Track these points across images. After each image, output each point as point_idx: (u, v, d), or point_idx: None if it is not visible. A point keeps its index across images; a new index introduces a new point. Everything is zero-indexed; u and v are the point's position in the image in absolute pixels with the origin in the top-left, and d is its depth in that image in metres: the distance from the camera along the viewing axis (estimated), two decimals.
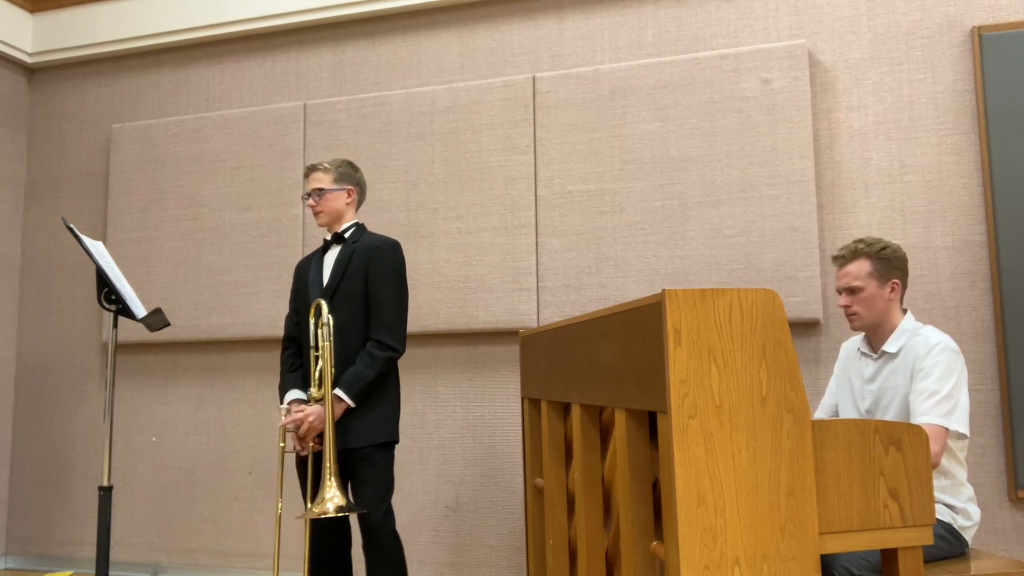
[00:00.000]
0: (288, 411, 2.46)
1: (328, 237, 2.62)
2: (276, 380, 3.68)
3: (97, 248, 2.74)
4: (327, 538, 2.51)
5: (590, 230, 3.27)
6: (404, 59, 3.69)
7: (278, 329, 3.60)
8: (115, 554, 3.82)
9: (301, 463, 2.55)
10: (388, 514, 2.44)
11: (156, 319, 2.71)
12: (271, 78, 3.88)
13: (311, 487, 2.39)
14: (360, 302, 2.50)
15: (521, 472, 3.33)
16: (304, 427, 2.39)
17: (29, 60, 4.20)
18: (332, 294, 2.50)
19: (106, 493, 2.59)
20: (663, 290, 1.32)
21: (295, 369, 2.60)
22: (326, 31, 3.81)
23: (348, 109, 3.64)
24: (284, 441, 2.45)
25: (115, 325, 2.71)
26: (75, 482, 3.95)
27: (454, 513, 3.38)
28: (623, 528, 1.61)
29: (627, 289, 3.21)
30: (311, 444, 2.41)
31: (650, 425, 1.63)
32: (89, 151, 4.14)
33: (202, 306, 3.74)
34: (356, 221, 2.63)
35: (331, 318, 2.41)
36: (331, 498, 2.23)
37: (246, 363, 3.74)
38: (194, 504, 3.74)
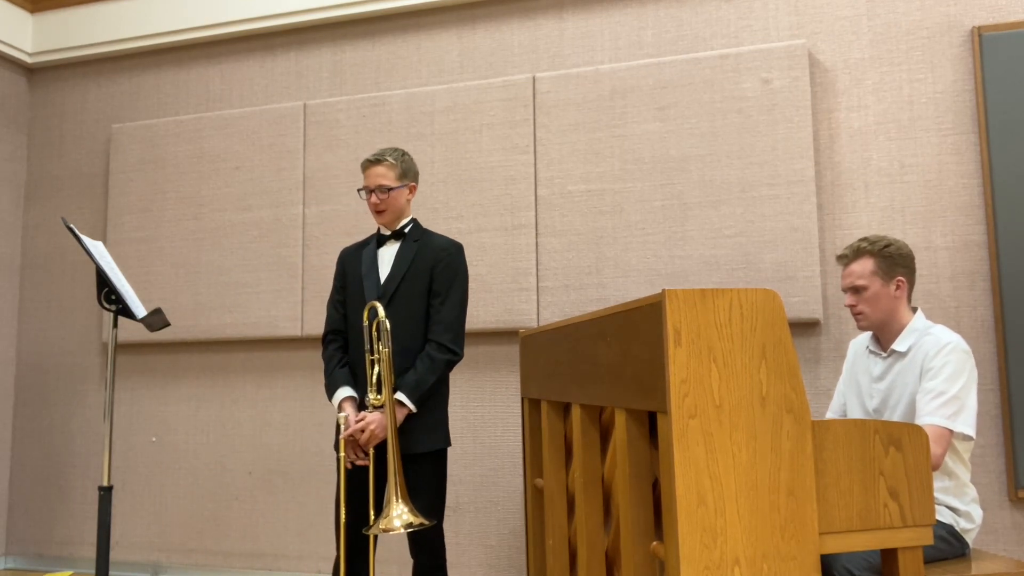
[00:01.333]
0: (345, 419, 2.34)
1: (384, 231, 2.50)
2: (276, 380, 3.68)
3: (97, 248, 2.74)
4: (355, 546, 2.43)
5: (590, 230, 3.27)
6: (404, 59, 3.69)
7: (278, 329, 3.60)
8: (115, 554, 3.82)
9: (345, 465, 2.44)
10: (442, 513, 2.41)
11: (156, 319, 2.71)
12: (271, 78, 3.88)
13: (373, 497, 2.29)
14: (421, 302, 2.41)
15: (521, 472, 3.33)
16: (366, 435, 2.29)
17: (29, 60, 4.20)
18: (393, 292, 2.41)
19: (106, 493, 2.59)
20: (663, 290, 1.32)
21: (343, 364, 2.48)
22: (326, 31, 3.81)
23: (348, 109, 3.64)
24: (344, 451, 2.34)
25: (115, 325, 2.71)
26: (75, 482, 3.95)
27: (454, 513, 3.38)
28: (623, 528, 1.61)
29: (627, 289, 3.21)
30: (370, 452, 2.31)
31: (650, 425, 1.63)
32: (89, 151, 4.14)
33: (202, 306, 3.75)
34: (413, 216, 2.54)
35: (388, 322, 2.28)
36: (399, 515, 2.11)
37: (246, 363, 3.74)
38: (194, 504, 3.74)
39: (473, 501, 3.37)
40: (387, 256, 2.48)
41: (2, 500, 4.01)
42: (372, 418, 2.29)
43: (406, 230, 2.49)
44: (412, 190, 2.49)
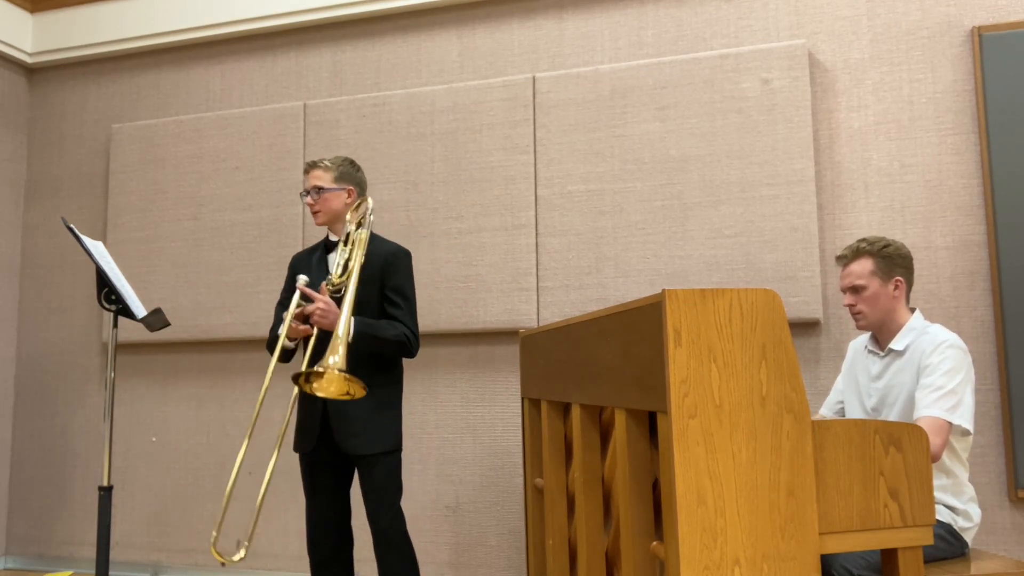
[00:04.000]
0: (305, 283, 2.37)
1: (332, 237, 2.55)
2: (276, 380, 3.68)
3: (97, 248, 2.74)
4: (330, 539, 2.49)
5: (590, 230, 3.27)
6: (404, 59, 3.69)
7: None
8: (115, 554, 3.82)
9: (307, 463, 2.49)
10: (399, 516, 2.43)
11: (156, 319, 2.71)
12: (271, 78, 3.88)
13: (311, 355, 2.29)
14: (371, 307, 2.44)
15: (521, 472, 3.33)
16: (318, 311, 2.28)
17: (29, 60, 4.19)
18: (340, 298, 2.43)
19: (106, 493, 2.59)
20: (663, 290, 1.32)
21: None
22: (326, 31, 3.81)
23: (348, 109, 3.64)
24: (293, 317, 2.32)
25: (115, 325, 2.71)
26: (75, 482, 3.95)
27: (454, 513, 3.38)
28: (623, 528, 1.61)
29: (627, 289, 3.21)
30: (314, 332, 2.30)
31: (650, 425, 1.63)
32: (89, 151, 4.14)
33: (202, 306, 3.74)
34: None
35: (373, 217, 2.38)
36: (338, 352, 2.05)
37: (246, 363, 3.74)
38: (194, 504, 3.74)
39: (473, 501, 3.37)
40: (335, 261, 2.50)
41: (2, 500, 4.01)
42: (330, 301, 2.31)
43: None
44: (350, 194, 2.53)
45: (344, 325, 2.14)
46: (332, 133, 3.66)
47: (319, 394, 2.10)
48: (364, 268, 2.45)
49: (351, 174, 2.54)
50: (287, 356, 2.45)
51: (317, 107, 3.69)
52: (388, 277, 2.46)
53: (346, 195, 2.52)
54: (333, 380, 2.08)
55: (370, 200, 2.47)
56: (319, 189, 2.49)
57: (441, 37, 3.64)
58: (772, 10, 3.22)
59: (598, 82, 3.32)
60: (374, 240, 2.53)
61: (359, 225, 2.42)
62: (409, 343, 2.42)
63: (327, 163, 2.51)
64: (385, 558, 2.41)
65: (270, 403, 3.68)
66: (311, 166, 2.53)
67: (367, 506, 2.42)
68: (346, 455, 2.46)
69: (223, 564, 2.19)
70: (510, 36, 3.55)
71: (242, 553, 2.16)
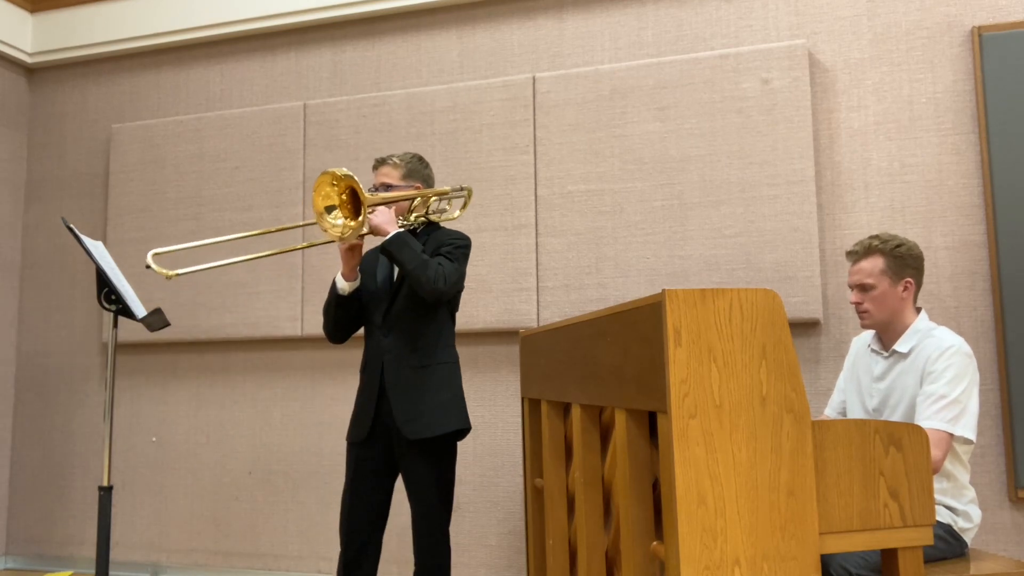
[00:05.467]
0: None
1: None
2: (276, 380, 3.68)
3: (97, 248, 2.74)
4: (367, 522, 2.41)
5: (590, 230, 3.27)
6: (404, 59, 3.69)
7: (278, 329, 3.60)
8: (115, 554, 3.82)
9: (354, 457, 2.42)
10: (449, 511, 2.38)
11: (156, 319, 2.71)
12: (271, 78, 3.88)
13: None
14: None
15: (521, 472, 3.33)
16: (375, 216, 2.31)
17: (29, 60, 4.19)
18: (399, 286, 2.41)
19: (106, 493, 2.59)
20: (663, 290, 1.32)
21: None
22: (326, 31, 3.81)
23: (348, 109, 3.64)
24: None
25: (115, 325, 2.70)
26: (75, 482, 3.95)
27: (454, 513, 3.38)
28: (623, 528, 1.61)
29: (627, 289, 3.21)
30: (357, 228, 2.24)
31: (650, 425, 1.63)
32: (89, 151, 4.14)
33: (202, 306, 3.74)
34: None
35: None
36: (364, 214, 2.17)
37: (246, 363, 3.74)
38: (194, 504, 3.74)
39: (473, 501, 3.37)
40: None
41: (2, 500, 4.01)
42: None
43: (418, 229, 2.50)
44: (418, 190, 2.50)
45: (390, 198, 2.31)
46: (332, 133, 3.66)
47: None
48: (425, 250, 2.43)
49: (419, 170, 2.52)
50: (345, 322, 2.48)
51: (317, 107, 3.69)
52: (443, 247, 2.41)
53: (414, 191, 2.49)
54: (348, 205, 2.19)
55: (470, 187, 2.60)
56: (387, 186, 2.47)
57: (441, 37, 3.64)
58: (772, 10, 3.22)
59: (598, 82, 3.32)
60: (438, 229, 2.50)
61: (443, 196, 2.51)
62: (438, 271, 2.29)
63: (396, 160, 2.49)
64: (427, 548, 2.34)
65: (270, 405, 3.68)
66: (380, 163, 2.51)
67: (416, 496, 2.34)
68: (393, 453, 2.41)
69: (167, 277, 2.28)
70: (510, 36, 3.55)
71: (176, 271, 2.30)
